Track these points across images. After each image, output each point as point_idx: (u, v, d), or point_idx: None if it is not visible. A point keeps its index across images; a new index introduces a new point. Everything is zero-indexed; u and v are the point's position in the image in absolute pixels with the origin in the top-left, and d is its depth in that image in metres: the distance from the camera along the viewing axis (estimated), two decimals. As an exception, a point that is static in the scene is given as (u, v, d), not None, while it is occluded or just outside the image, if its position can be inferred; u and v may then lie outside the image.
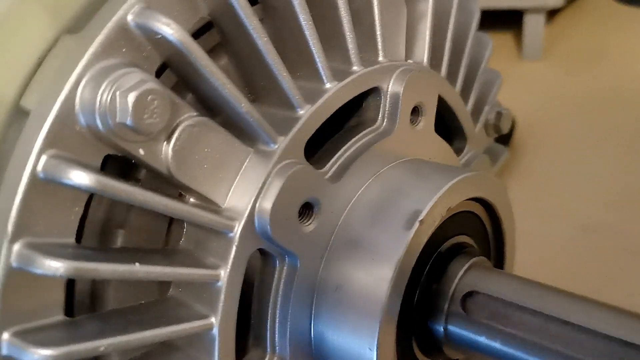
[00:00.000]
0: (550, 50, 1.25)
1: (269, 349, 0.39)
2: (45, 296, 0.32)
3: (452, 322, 0.41)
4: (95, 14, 0.35)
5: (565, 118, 1.09)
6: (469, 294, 0.41)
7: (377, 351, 0.37)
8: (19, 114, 0.34)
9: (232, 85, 0.35)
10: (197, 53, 0.34)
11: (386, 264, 0.38)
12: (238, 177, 0.37)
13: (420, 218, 0.39)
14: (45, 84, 0.33)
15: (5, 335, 0.30)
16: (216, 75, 0.35)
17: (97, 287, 0.36)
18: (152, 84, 0.32)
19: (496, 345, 0.39)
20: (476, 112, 0.60)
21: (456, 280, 0.41)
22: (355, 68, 0.43)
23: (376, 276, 0.38)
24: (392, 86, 0.45)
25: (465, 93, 0.57)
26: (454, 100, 0.53)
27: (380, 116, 0.45)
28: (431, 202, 0.40)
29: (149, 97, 0.32)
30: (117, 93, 0.31)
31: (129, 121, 0.31)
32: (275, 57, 0.38)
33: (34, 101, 0.33)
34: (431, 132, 0.49)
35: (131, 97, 0.31)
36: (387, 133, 0.44)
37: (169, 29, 0.33)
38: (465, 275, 0.42)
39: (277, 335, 0.39)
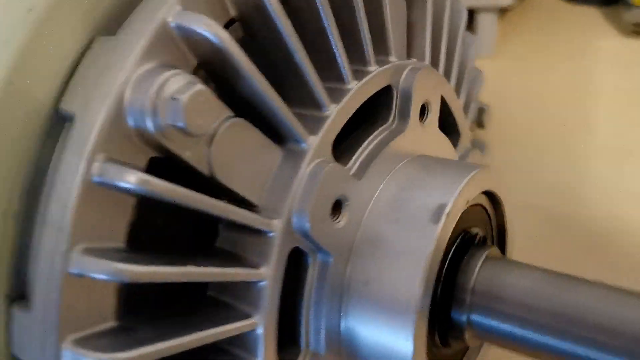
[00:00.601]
0: (502, 46, 1.29)
1: (303, 346, 0.40)
2: (100, 302, 0.31)
3: (475, 313, 0.42)
4: (130, 15, 0.34)
5: (520, 112, 1.12)
6: (490, 285, 0.42)
7: (413, 343, 0.38)
8: (58, 118, 0.33)
9: (269, 86, 0.36)
10: (238, 54, 0.34)
11: (418, 258, 0.39)
12: (272, 177, 0.37)
13: (446, 211, 0.40)
14: (89, 87, 0.32)
15: (67, 345, 0.30)
16: (256, 76, 0.35)
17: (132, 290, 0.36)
18: (201, 85, 0.32)
19: (521, 332, 0.40)
20: (465, 109, 0.62)
21: (476, 272, 0.43)
22: (371, 68, 0.44)
23: (408, 270, 0.39)
24: (402, 84, 0.46)
25: (457, 90, 0.59)
26: (451, 97, 0.54)
27: (392, 114, 0.46)
28: (454, 195, 0.41)
29: (200, 99, 0.32)
30: (169, 95, 0.31)
31: (181, 123, 0.31)
32: (305, 57, 0.38)
33: (76, 105, 0.32)
34: (436, 128, 0.50)
35: (184, 99, 0.31)
36: (400, 130, 0.45)
37: (211, 30, 0.33)
38: (484, 266, 0.43)
39: (311, 332, 0.39)
